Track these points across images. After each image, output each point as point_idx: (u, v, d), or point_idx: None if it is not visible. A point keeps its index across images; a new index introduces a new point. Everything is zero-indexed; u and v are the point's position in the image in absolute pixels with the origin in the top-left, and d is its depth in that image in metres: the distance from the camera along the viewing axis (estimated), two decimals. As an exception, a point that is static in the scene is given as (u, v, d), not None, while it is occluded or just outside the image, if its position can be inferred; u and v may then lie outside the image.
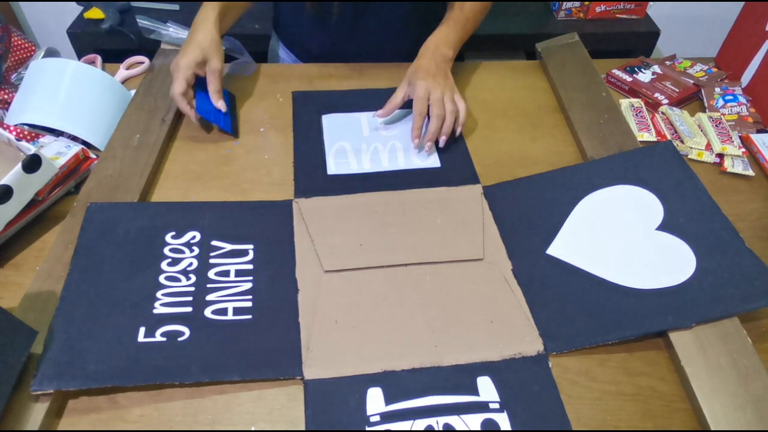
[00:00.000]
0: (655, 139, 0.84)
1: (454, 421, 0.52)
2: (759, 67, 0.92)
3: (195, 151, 0.81)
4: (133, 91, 0.88)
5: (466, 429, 0.52)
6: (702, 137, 0.84)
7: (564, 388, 0.55)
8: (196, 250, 0.65)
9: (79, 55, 1.49)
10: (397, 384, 0.55)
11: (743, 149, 0.83)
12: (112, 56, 1.00)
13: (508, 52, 1.57)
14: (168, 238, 0.66)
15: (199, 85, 0.83)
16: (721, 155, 0.82)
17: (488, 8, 0.93)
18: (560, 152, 0.82)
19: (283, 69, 0.97)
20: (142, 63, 0.96)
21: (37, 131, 0.76)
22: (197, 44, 0.79)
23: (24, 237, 0.67)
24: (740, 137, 0.85)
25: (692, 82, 0.95)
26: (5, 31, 0.89)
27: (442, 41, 0.84)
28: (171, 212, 0.69)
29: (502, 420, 0.52)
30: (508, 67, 1.00)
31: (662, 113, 0.89)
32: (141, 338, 0.56)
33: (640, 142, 0.82)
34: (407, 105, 0.82)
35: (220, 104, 0.82)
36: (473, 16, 0.89)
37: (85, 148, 0.75)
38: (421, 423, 0.52)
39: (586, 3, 1.59)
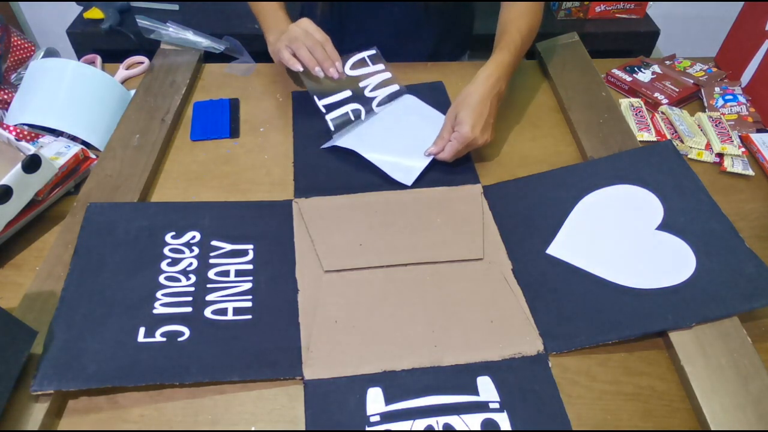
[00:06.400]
0: (655, 139, 0.84)
1: (454, 421, 0.52)
2: (759, 66, 0.92)
3: (195, 151, 0.80)
4: (133, 91, 0.88)
5: (466, 429, 0.52)
6: (702, 137, 0.84)
7: (564, 388, 0.55)
8: (196, 250, 0.65)
9: (79, 55, 1.49)
10: (397, 384, 0.55)
11: (743, 149, 0.83)
12: (112, 56, 1.00)
13: (508, 52, 1.57)
14: (168, 238, 0.66)
15: (197, 109, 0.83)
16: (720, 155, 0.82)
17: (539, 23, 0.86)
18: (560, 152, 0.82)
19: (283, 69, 0.97)
20: (142, 63, 0.96)
21: (36, 131, 0.76)
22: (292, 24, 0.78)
23: (24, 237, 0.67)
24: (740, 137, 0.85)
25: (692, 81, 0.95)
26: (5, 31, 0.88)
27: (504, 74, 0.77)
28: (171, 212, 0.69)
29: (502, 420, 0.52)
30: (508, 66, 1.00)
31: (662, 113, 0.89)
32: (141, 338, 0.56)
33: (640, 141, 0.82)
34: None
35: (332, 71, 0.77)
36: (529, 39, 0.83)
37: (84, 148, 0.75)
38: (421, 423, 0.52)
39: (586, 3, 1.59)
